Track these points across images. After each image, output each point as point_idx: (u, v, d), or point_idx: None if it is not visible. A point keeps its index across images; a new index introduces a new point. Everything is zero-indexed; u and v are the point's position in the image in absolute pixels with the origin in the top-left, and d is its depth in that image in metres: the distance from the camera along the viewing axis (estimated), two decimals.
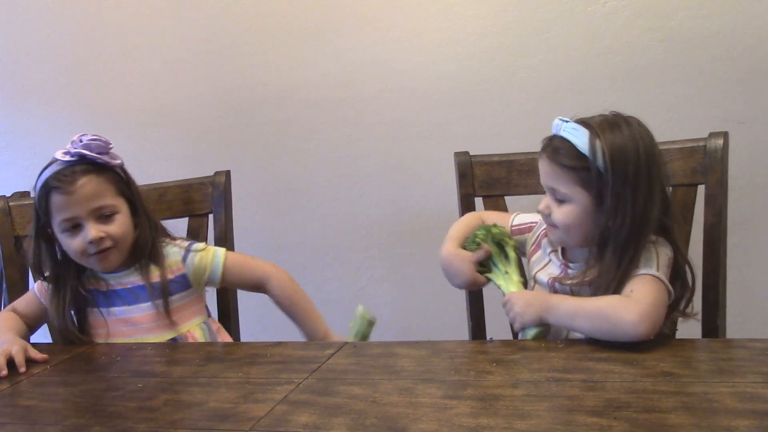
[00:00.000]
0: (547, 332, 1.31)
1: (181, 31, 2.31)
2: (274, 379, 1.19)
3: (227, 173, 1.78)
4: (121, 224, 1.51)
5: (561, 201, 1.32)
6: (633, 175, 1.27)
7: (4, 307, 1.81)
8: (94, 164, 1.50)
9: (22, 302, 1.61)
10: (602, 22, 1.99)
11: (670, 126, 1.94)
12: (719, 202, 1.46)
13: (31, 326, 1.59)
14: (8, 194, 1.85)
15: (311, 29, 2.21)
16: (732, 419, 0.91)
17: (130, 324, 1.53)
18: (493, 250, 1.43)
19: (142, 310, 1.53)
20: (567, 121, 1.32)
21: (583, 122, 1.31)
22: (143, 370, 1.31)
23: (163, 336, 1.53)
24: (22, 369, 1.35)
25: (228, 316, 1.72)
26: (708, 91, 1.94)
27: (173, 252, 1.58)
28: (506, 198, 1.66)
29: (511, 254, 1.43)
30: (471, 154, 1.69)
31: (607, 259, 1.29)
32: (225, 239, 1.74)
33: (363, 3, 2.16)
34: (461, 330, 1.75)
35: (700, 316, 1.47)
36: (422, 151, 2.16)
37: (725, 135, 1.47)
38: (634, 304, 1.21)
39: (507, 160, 1.65)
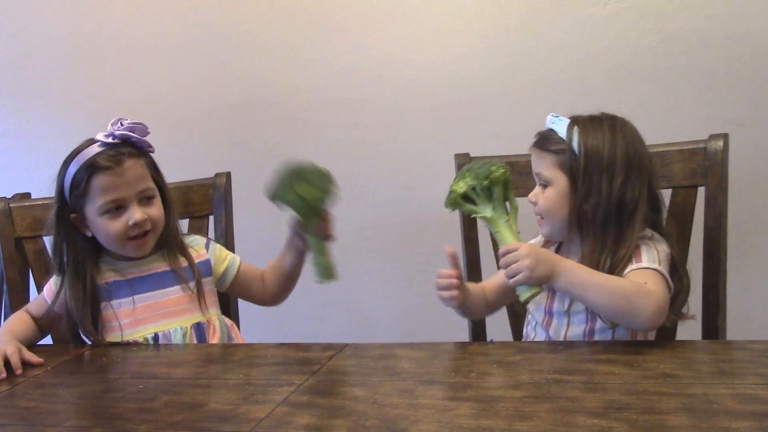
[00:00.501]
0: (539, 294, 1.30)
1: (181, 32, 2.31)
2: (275, 380, 1.19)
3: (228, 175, 1.79)
4: (159, 208, 1.53)
5: (544, 187, 1.38)
6: (608, 162, 1.33)
7: (3, 309, 1.81)
8: (135, 147, 1.51)
9: (33, 304, 1.59)
10: (603, 24, 1.99)
11: (670, 128, 1.94)
12: (719, 204, 1.46)
13: (42, 328, 1.57)
14: (9, 196, 1.85)
15: (312, 31, 2.21)
16: (732, 421, 0.92)
17: (157, 309, 1.52)
18: (500, 193, 1.34)
19: (170, 294, 1.53)
20: (556, 116, 1.40)
21: (572, 115, 1.40)
22: (144, 372, 1.31)
23: (190, 319, 1.52)
24: (19, 371, 1.34)
25: (228, 317, 1.72)
26: (708, 93, 1.94)
27: (196, 240, 1.62)
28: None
29: (514, 205, 1.37)
30: (471, 155, 1.69)
31: (588, 243, 1.34)
32: (226, 241, 1.74)
33: (363, 5, 2.16)
34: (461, 332, 1.75)
35: (699, 318, 1.48)
36: (423, 152, 2.16)
37: (725, 137, 1.48)
38: (655, 296, 1.24)
39: (507, 162, 1.65)
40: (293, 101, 2.25)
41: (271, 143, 2.29)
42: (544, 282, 1.27)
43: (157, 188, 1.55)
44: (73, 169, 1.49)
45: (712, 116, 1.93)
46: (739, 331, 1.85)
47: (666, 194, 1.51)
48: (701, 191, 1.49)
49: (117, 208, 1.48)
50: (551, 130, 1.38)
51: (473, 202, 1.35)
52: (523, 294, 1.28)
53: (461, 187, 1.34)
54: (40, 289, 1.75)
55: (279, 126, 2.28)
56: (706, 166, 1.47)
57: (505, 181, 1.34)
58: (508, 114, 2.08)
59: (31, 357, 1.39)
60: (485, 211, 1.33)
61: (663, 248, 1.34)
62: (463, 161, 1.68)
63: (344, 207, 2.27)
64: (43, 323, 1.57)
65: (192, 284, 1.55)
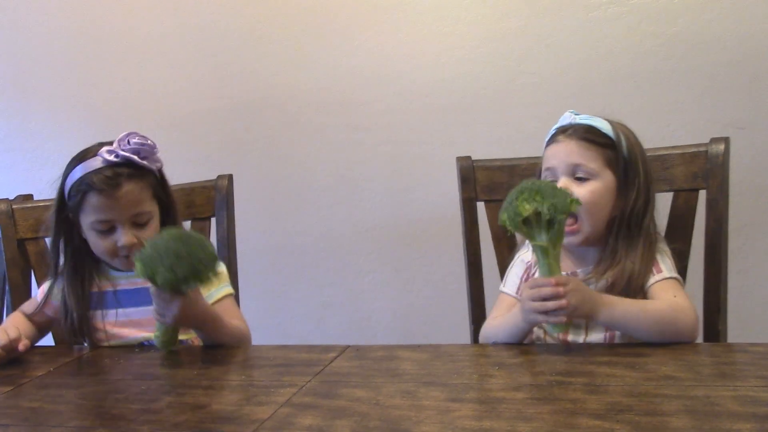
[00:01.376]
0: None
1: (183, 34, 2.32)
2: (277, 381, 1.19)
3: (230, 177, 1.79)
4: (153, 230, 1.49)
5: (582, 182, 1.33)
6: (643, 164, 1.36)
7: (6, 311, 1.81)
8: (137, 168, 1.47)
9: (27, 304, 1.61)
10: (604, 27, 2.00)
11: (670, 131, 1.95)
12: (720, 207, 1.47)
13: (38, 326, 1.59)
14: (11, 197, 1.85)
15: (314, 34, 2.21)
16: (734, 422, 0.92)
17: (137, 325, 1.52)
18: (563, 224, 1.23)
19: (150, 313, 1.50)
20: (578, 114, 1.38)
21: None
22: (146, 373, 1.31)
23: None
24: (22, 346, 1.39)
25: None
26: (708, 97, 1.95)
27: None
28: None
29: (563, 235, 1.26)
30: (473, 158, 1.69)
31: (623, 248, 1.33)
32: (227, 243, 1.74)
33: (366, 8, 2.17)
34: (463, 334, 1.75)
35: (701, 321, 1.48)
36: (424, 155, 2.17)
37: (726, 140, 1.48)
38: (689, 309, 1.25)
39: (509, 165, 1.66)
40: (295, 103, 2.25)
41: (272, 145, 2.29)
42: (583, 319, 1.25)
43: (162, 206, 1.53)
44: (75, 174, 1.47)
45: (712, 119, 1.94)
46: (740, 334, 1.86)
47: (667, 197, 1.52)
48: (702, 194, 1.49)
49: (107, 228, 1.47)
50: (591, 125, 1.36)
51: (530, 226, 1.23)
52: (557, 330, 1.27)
53: (527, 210, 1.22)
54: None
55: (281, 128, 2.28)
56: (708, 169, 1.48)
57: (570, 213, 1.25)
58: (510, 117, 2.08)
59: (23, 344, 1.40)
60: (541, 239, 1.23)
61: (668, 250, 1.36)
62: (464, 164, 1.68)
63: (345, 209, 2.29)
64: (38, 323, 1.58)
65: None
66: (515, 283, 1.43)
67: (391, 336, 2.26)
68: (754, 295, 1.97)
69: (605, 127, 1.35)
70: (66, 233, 1.53)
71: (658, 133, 1.94)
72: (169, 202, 1.55)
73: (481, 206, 1.68)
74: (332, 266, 2.28)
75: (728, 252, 1.50)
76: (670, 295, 1.28)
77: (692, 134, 1.79)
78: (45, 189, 2.18)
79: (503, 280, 1.48)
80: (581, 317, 1.24)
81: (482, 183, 1.67)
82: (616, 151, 1.34)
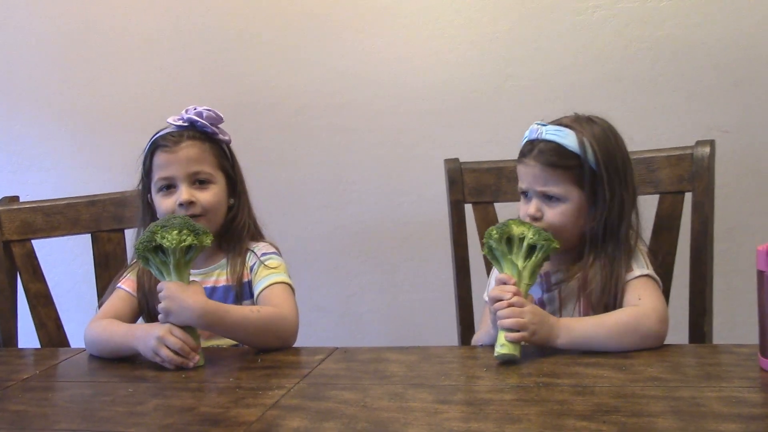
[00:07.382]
0: (512, 361, 1.21)
1: (174, 34, 2.31)
2: (265, 384, 1.19)
3: None
4: (214, 194, 1.51)
5: (552, 202, 1.32)
6: (622, 167, 1.32)
7: None
8: (201, 132, 1.54)
9: (113, 308, 1.50)
10: (591, 31, 2.01)
11: (656, 134, 1.96)
12: (706, 210, 1.48)
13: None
14: None
15: (304, 36, 2.21)
16: (719, 423, 0.93)
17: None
18: (522, 251, 1.27)
19: None
20: (545, 125, 1.34)
21: (559, 123, 1.34)
22: (133, 375, 1.31)
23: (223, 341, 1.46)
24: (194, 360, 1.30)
25: None
26: (694, 100, 1.96)
27: (249, 257, 1.53)
28: (495, 205, 1.67)
29: (535, 259, 1.27)
30: (461, 161, 1.70)
31: (597, 256, 1.32)
32: None
33: (354, 11, 2.17)
34: (451, 336, 1.75)
35: (686, 322, 1.49)
36: (412, 158, 2.17)
37: (712, 143, 1.49)
38: (651, 310, 1.23)
39: (496, 168, 1.67)
40: (284, 105, 2.25)
41: (261, 147, 2.29)
42: (541, 344, 1.22)
43: (228, 178, 1.56)
44: (147, 146, 1.55)
45: (697, 122, 1.95)
46: (726, 336, 1.87)
47: (653, 200, 1.53)
48: (688, 197, 1.51)
49: (169, 186, 1.50)
50: (549, 141, 1.31)
51: (510, 245, 1.27)
52: (506, 350, 1.19)
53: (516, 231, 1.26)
54: (28, 293, 1.74)
55: (271, 130, 2.28)
56: (693, 171, 1.49)
57: (530, 243, 1.27)
58: (498, 120, 2.09)
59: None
60: (499, 264, 1.28)
61: (642, 247, 1.36)
62: (452, 167, 1.69)
63: (334, 211, 2.29)
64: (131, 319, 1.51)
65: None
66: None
67: (381, 338, 2.26)
68: (739, 296, 1.98)
69: (571, 144, 1.30)
70: (152, 219, 1.51)
71: (644, 135, 1.94)
72: (234, 177, 1.58)
73: (468, 208, 1.69)
74: (321, 269, 2.28)
75: (714, 254, 1.51)
76: (635, 297, 1.26)
77: (678, 137, 1.80)
78: (31, 191, 2.17)
79: (486, 289, 1.48)
80: (537, 342, 1.21)
81: (470, 185, 1.68)
82: (583, 167, 1.30)
